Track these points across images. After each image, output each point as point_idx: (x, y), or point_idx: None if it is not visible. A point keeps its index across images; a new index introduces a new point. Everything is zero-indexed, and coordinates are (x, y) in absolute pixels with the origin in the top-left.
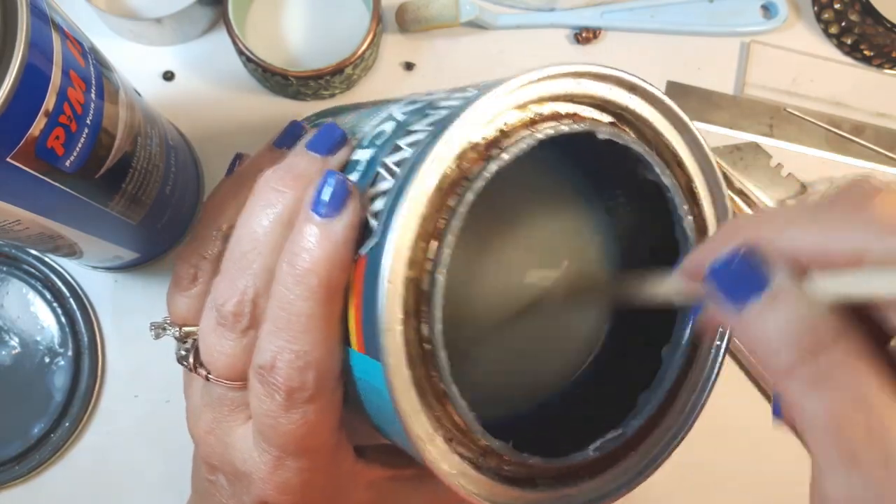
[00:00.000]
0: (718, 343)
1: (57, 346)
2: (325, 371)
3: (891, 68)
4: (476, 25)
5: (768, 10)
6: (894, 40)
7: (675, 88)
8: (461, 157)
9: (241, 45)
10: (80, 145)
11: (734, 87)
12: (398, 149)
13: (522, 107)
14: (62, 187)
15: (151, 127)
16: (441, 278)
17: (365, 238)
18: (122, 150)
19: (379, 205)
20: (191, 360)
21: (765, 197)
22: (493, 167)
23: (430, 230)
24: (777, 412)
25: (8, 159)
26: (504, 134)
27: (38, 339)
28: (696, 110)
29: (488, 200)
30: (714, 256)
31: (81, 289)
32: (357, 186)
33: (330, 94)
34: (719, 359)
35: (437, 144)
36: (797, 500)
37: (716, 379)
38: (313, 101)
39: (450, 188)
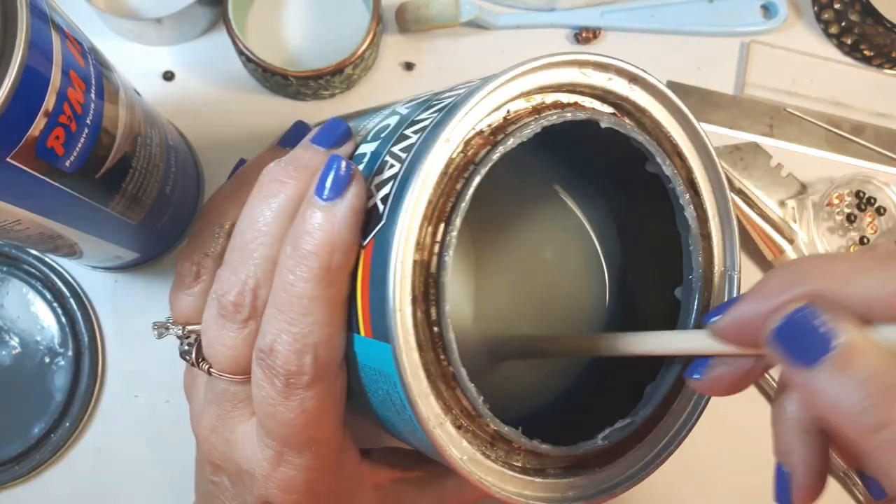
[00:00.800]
0: None
1: (57, 346)
2: (325, 355)
3: (891, 68)
4: (476, 25)
5: (768, 10)
6: (894, 40)
7: (674, 88)
8: (467, 142)
9: (240, 45)
10: (80, 145)
11: (734, 87)
12: (404, 137)
13: (526, 96)
14: (62, 187)
15: (151, 127)
16: (448, 260)
17: (372, 223)
18: (122, 149)
19: (386, 189)
20: (193, 354)
21: (764, 197)
22: (499, 151)
23: (437, 213)
24: (878, 494)
25: (8, 159)
26: (508, 121)
27: (39, 339)
28: (696, 110)
29: (487, 199)
30: (772, 311)
31: (81, 289)
32: (362, 175)
33: (330, 94)
34: None
35: (444, 129)
36: None
37: None
38: (313, 101)
39: (456, 173)
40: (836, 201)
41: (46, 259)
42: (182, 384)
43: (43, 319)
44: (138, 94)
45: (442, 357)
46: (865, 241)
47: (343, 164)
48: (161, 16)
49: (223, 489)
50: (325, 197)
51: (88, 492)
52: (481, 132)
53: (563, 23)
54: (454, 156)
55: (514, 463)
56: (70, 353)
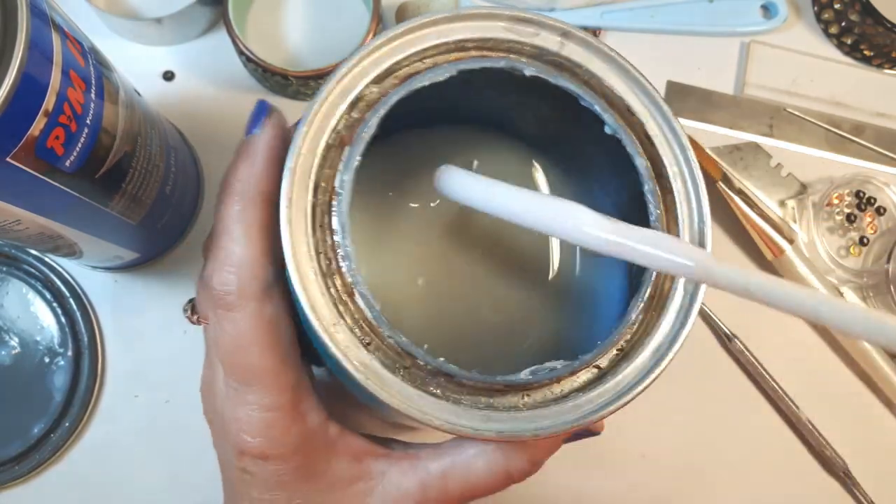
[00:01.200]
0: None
1: (57, 346)
2: (246, 275)
3: (891, 68)
4: None
5: (768, 10)
6: (894, 40)
7: (675, 88)
8: (380, 81)
9: (241, 45)
10: (80, 145)
11: (734, 87)
12: None
13: (447, 51)
14: (62, 187)
15: (151, 127)
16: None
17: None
18: (122, 149)
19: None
20: (189, 310)
21: (764, 197)
22: (405, 88)
23: (337, 133)
24: None
25: (8, 159)
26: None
27: (38, 339)
28: (696, 110)
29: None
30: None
31: (81, 289)
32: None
33: None
34: (681, 325)
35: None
36: (797, 500)
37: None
38: None
39: (364, 105)
40: (836, 201)
41: (46, 259)
42: (179, 384)
43: (43, 319)
44: (138, 94)
45: (332, 252)
46: (865, 241)
47: (261, 103)
48: (161, 16)
49: (250, 474)
50: (247, 133)
51: (88, 492)
52: (396, 74)
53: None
54: (365, 91)
55: (432, 389)
56: (70, 353)
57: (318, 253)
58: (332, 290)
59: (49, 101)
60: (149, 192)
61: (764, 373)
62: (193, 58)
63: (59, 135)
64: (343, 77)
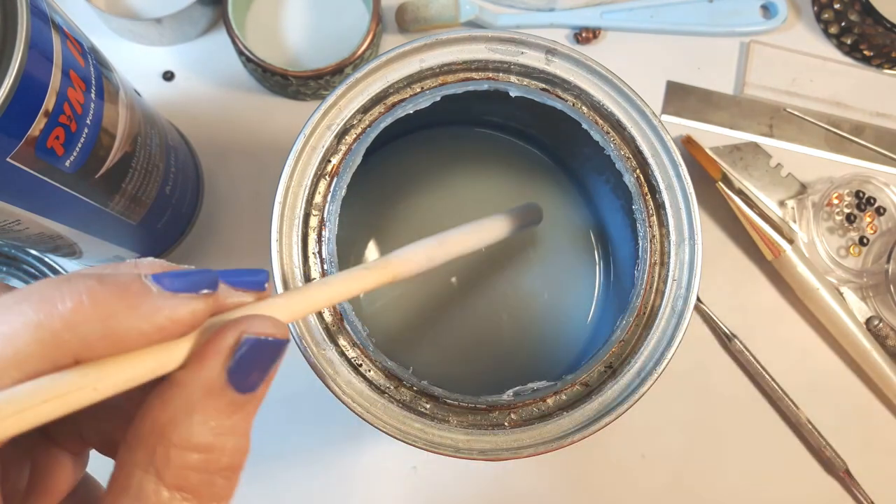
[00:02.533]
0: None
1: None
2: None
3: (890, 68)
4: (476, 25)
5: (768, 10)
6: (894, 40)
7: (674, 88)
8: (365, 111)
9: (240, 45)
10: (80, 145)
11: (734, 87)
12: None
13: (444, 70)
14: (62, 187)
15: (151, 127)
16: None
17: None
18: (122, 149)
19: None
20: None
21: (764, 197)
22: (387, 119)
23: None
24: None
25: (8, 159)
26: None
27: None
28: (696, 110)
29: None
30: None
31: None
32: None
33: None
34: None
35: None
36: (797, 500)
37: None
38: (313, 101)
39: (349, 138)
40: (835, 201)
41: (46, 259)
42: None
43: None
44: (138, 94)
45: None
46: (865, 241)
47: (255, 278)
48: (161, 16)
49: None
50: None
51: None
52: (384, 101)
53: (562, 23)
54: (353, 120)
55: (420, 408)
56: None
57: (309, 280)
58: (323, 315)
59: (49, 101)
60: (149, 192)
61: (763, 373)
62: (193, 58)
63: (60, 135)
64: (329, 108)
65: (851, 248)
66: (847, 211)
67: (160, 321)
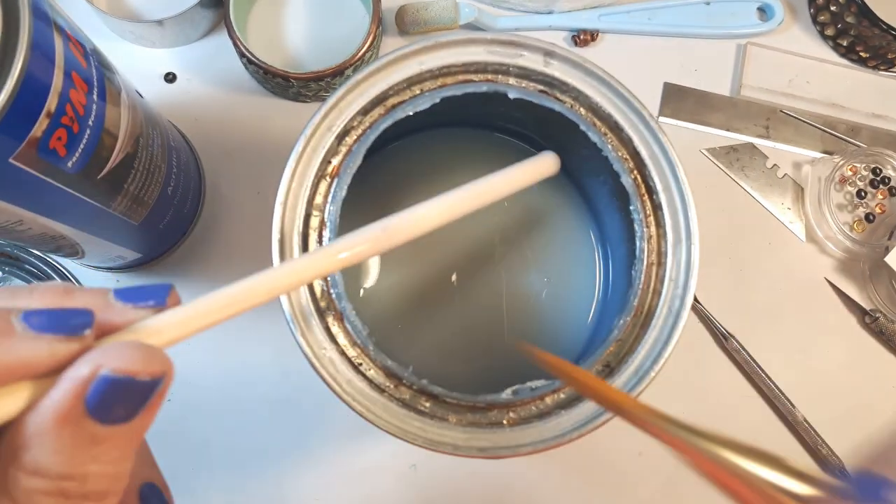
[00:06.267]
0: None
1: None
2: None
3: (886, 70)
4: (475, 28)
5: (765, 13)
6: (890, 42)
7: (672, 90)
8: (365, 112)
9: (242, 47)
10: (82, 146)
11: (731, 89)
12: None
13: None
14: (64, 188)
15: (153, 128)
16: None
17: None
18: (124, 150)
19: None
20: None
21: (761, 198)
22: (387, 120)
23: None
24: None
25: (10, 160)
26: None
27: None
28: (693, 112)
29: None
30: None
31: None
32: None
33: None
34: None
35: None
36: None
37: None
38: (314, 103)
39: (350, 139)
40: (849, 173)
41: (49, 259)
42: (180, 383)
43: None
44: (140, 95)
45: (323, 280)
46: (871, 218)
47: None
48: (163, 18)
49: None
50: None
51: None
52: (384, 103)
53: (561, 25)
54: (353, 122)
55: (419, 406)
56: None
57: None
58: (325, 315)
59: (51, 103)
60: (151, 193)
61: (760, 371)
62: (195, 60)
63: (62, 136)
64: (330, 110)
65: (856, 224)
66: (860, 185)
67: (10, 362)
